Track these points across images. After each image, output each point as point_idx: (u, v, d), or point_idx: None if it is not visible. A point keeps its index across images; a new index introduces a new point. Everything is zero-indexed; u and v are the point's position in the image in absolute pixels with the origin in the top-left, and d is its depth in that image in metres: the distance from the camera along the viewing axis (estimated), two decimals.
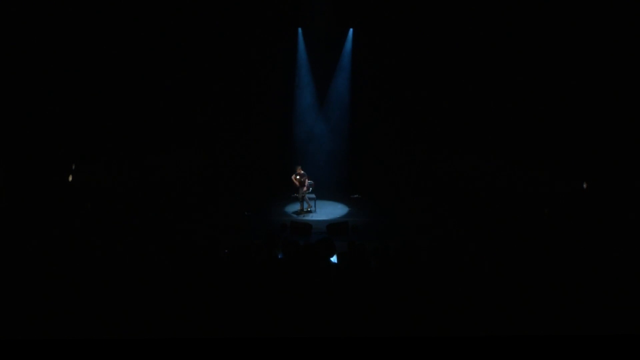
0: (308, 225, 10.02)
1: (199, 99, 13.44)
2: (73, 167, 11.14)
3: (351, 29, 14.19)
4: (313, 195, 12.08)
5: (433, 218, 10.98)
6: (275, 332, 3.67)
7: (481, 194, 11.96)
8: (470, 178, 12.74)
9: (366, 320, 3.86)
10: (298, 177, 11.60)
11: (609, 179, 10.50)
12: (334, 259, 5.92)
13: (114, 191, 11.46)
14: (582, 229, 8.67)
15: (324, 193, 13.24)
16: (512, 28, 11.88)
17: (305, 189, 11.63)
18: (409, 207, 12.06)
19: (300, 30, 14.18)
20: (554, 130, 11.86)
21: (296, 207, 12.12)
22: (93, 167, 11.68)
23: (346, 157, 14.74)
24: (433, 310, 4.01)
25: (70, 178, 11.06)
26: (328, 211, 12.04)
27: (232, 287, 4.45)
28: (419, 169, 13.63)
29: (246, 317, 3.84)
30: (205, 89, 13.41)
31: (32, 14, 10.44)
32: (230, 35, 13.10)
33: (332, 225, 10.02)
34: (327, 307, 4.01)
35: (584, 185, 10.63)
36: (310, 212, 11.76)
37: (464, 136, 13.17)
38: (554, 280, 4.65)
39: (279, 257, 5.92)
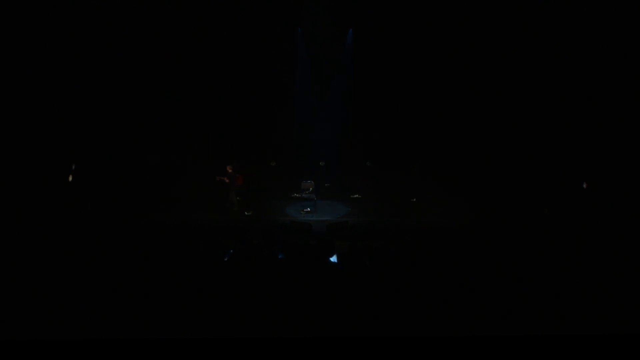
0: (308, 225, 10.01)
1: (199, 99, 13.44)
2: (73, 167, 11.13)
3: (351, 29, 14.19)
4: (313, 196, 12.08)
5: (433, 217, 10.97)
6: (275, 332, 3.67)
7: (481, 194, 11.95)
8: (470, 177, 12.73)
9: (366, 320, 3.86)
10: (226, 177, 11.41)
11: (609, 179, 10.51)
12: (334, 259, 5.93)
13: (114, 191, 11.46)
14: (582, 229, 8.66)
15: (324, 193, 13.25)
16: (512, 28, 11.88)
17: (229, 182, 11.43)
18: (409, 207, 12.05)
19: (300, 30, 14.19)
20: (554, 131, 11.88)
21: (296, 207, 12.11)
22: (93, 167, 11.68)
23: (346, 157, 14.73)
24: (432, 310, 4.00)
25: (70, 178, 11.05)
26: (328, 211, 12.04)
27: (232, 287, 4.45)
28: (419, 168, 13.61)
29: (246, 317, 3.83)
30: (205, 89, 13.42)
31: (32, 14, 10.45)
32: (231, 35, 13.10)
33: (332, 225, 10.01)
34: (327, 307, 4.01)
35: (584, 185, 10.62)
36: (310, 212, 11.75)
37: (464, 135, 13.18)
38: (554, 280, 4.65)
39: (279, 257, 5.92)
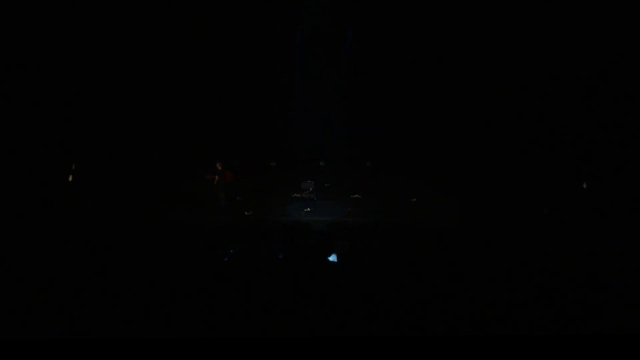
0: (308, 225, 10.00)
1: (199, 99, 13.44)
2: (73, 166, 11.13)
3: (351, 28, 14.21)
4: (313, 196, 12.09)
5: (433, 217, 10.96)
6: (275, 332, 3.67)
7: (481, 193, 11.94)
8: (470, 177, 12.73)
9: (366, 320, 3.86)
10: (216, 174, 11.37)
11: (609, 179, 10.51)
12: (333, 258, 5.93)
13: (114, 190, 11.46)
14: (582, 228, 8.66)
15: (323, 193, 13.24)
16: (512, 28, 11.88)
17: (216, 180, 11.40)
18: (409, 207, 12.05)
19: (300, 30, 14.20)
20: (554, 131, 11.88)
21: (296, 207, 12.11)
22: (93, 167, 11.68)
23: (346, 157, 14.71)
24: (432, 310, 4.00)
25: (70, 178, 11.05)
26: (328, 211, 12.03)
27: (232, 287, 4.45)
28: (419, 168, 13.62)
29: (246, 317, 3.84)
30: (205, 89, 13.42)
31: (32, 14, 10.46)
32: (230, 35, 13.11)
33: (332, 225, 10.00)
34: (327, 307, 4.01)
35: (584, 185, 10.62)
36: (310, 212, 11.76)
37: (464, 135, 13.18)
38: (554, 280, 4.65)
39: (279, 257, 5.92)
